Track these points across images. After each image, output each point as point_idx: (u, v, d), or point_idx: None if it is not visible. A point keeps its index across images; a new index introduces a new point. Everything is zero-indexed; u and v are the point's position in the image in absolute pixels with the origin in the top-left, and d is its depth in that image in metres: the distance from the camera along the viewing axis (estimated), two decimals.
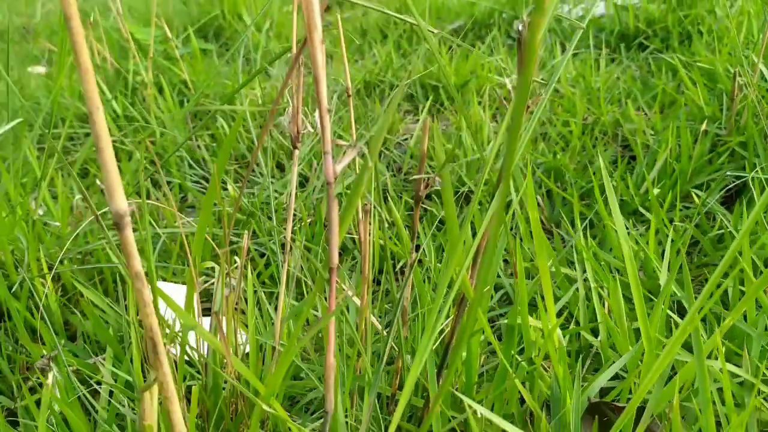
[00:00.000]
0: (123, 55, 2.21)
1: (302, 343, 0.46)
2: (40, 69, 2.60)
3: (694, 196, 1.00)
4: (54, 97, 1.05)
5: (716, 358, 0.59)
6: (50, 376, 0.50)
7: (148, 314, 0.36)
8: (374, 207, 0.78)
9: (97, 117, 0.32)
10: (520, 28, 0.45)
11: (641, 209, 1.02)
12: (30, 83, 2.34)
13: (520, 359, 0.58)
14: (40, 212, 1.15)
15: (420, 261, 0.89)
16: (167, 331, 0.55)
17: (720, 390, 0.62)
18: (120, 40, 2.28)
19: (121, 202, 0.34)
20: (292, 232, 1.09)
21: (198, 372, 0.64)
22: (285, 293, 0.55)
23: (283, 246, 1.09)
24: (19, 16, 4.17)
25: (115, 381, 0.68)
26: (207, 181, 1.46)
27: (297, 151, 0.55)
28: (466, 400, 0.44)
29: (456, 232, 0.47)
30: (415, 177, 0.53)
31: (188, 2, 3.20)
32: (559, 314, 0.81)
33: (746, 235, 0.71)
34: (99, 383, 0.73)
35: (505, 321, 0.67)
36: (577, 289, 0.74)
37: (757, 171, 0.94)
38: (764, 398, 0.61)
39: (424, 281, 0.71)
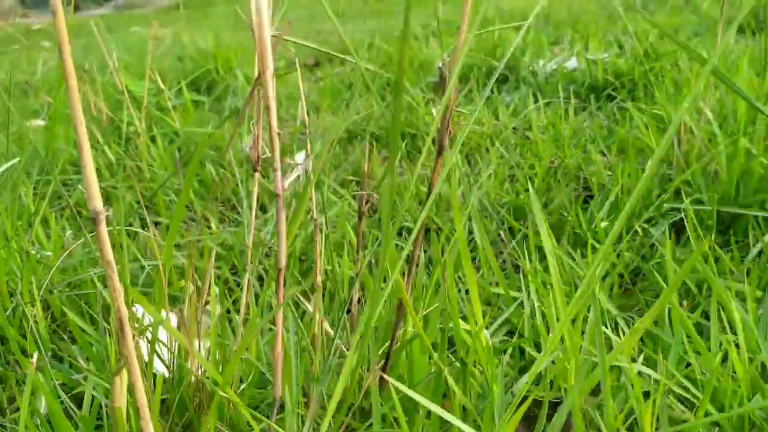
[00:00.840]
0: (118, 107, 2.32)
1: (251, 337, 0.53)
2: (39, 122, 2.71)
3: (639, 229, 1.08)
4: (48, 143, 1.14)
5: (636, 361, 0.66)
6: (32, 369, 0.57)
7: (116, 298, 0.43)
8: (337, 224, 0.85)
9: (80, 130, 0.40)
10: (440, 65, 0.54)
11: (592, 241, 1.10)
12: (29, 135, 2.44)
13: (454, 359, 0.64)
14: (34, 249, 1.23)
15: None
16: (136, 325, 0.62)
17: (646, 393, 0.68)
18: (116, 93, 2.40)
19: (98, 203, 0.42)
20: (267, 256, 1.16)
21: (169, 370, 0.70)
22: (247, 297, 0.63)
23: (261, 273, 1.16)
24: (22, 73, 4.33)
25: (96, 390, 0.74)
26: (194, 221, 1.53)
27: (257, 174, 0.63)
28: (393, 382, 0.51)
29: (390, 240, 0.55)
30: (357, 193, 0.61)
31: (183, 58, 3.35)
32: (510, 333, 0.88)
33: (670, 262, 0.79)
34: (81, 397, 0.79)
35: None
36: (523, 307, 0.81)
37: (688, 203, 1.02)
38: (678, 399, 0.67)
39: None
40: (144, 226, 1.52)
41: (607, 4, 3.87)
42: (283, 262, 0.53)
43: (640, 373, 0.70)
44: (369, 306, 0.47)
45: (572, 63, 2.44)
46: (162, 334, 0.68)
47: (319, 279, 0.63)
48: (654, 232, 1.10)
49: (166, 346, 0.64)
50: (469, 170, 1.64)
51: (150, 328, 0.60)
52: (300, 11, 7.05)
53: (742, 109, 1.18)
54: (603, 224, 1.08)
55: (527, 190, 1.43)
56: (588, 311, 0.77)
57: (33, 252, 1.06)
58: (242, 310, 0.62)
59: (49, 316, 1.05)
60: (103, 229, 0.42)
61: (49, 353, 0.88)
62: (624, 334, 0.82)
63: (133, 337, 0.46)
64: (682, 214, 1.14)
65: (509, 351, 0.76)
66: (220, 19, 6.59)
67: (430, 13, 5.12)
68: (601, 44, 2.81)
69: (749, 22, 2.71)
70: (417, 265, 0.64)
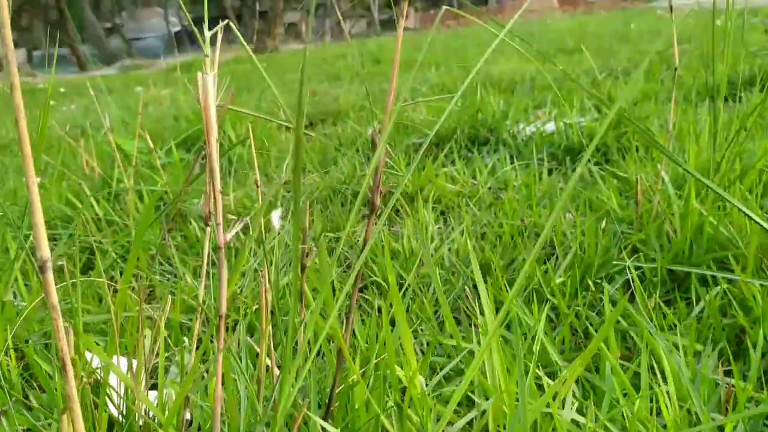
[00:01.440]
0: (112, 165, 2.40)
1: (193, 377, 0.57)
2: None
3: (591, 284, 1.13)
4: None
5: (573, 405, 0.70)
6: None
7: (59, 338, 0.48)
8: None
9: (33, 189, 0.45)
10: (370, 132, 0.60)
11: (548, 296, 1.14)
12: (24, 192, 2.51)
13: (391, 403, 0.68)
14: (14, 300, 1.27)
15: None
16: (85, 371, 0.65)
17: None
18: (111, 152, 2.48)
19: (45, 252, 0.47)
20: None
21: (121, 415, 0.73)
22: (196, 344, 0.67)
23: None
24: None
25: None
26: (175, 276, 1.58)
27: (209, 228, 0.68)
28: (319, 421, 0.55)
29: (327, 283, 0.59)
30: (300, 246, 0.66)
31: (179, 118, 3.46)
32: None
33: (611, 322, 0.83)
34: None
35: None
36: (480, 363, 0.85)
37: (637, 260, 1.07)
38: None
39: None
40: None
41: (591, 71, 4.01)
42: (224, 309, 0.57)
43: (575, 420, 0.73)
44: (286, 364, 0.52)
45: (551, 126, 2.53)
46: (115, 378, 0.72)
47: (264, 324, 0.67)
48: (609, 288, 1.14)
49: (115, 390, 0.67)
50: (442, 227, 1.69)
51: (101, 372, 0.64)
52: (297, 75, 7.26)
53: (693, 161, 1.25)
54: (558, 280, 1.12)
55: (495, 246, 1.48)
56: (531, 361, 0.81)
57: (10, 302, 1.10)
58: (193, 357, 0.66)
59: (23, 365, 1.08)
60: (50, 276, 0.47)
61: (13, 399, 0.91)
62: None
63: (82, 379, 0.50)
64: (637, 271, 1.19)
65: (455, 398, 0.79)
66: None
67: (427, 77, 5.28)
68: (581, 108, 2.91)
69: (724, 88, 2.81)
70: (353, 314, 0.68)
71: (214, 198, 0.57)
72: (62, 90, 10.47)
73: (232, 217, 0.58)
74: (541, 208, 1.66)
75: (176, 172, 2.15)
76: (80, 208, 1.87)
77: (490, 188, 1.96)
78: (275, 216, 1.43)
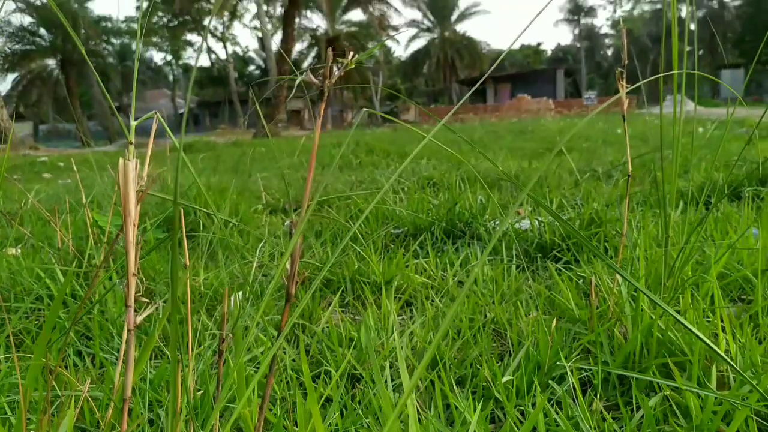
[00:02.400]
0: (88, 240, 2.41)
1: None
2: (14, 251, 2.79)
3: (537, 385, 1.12)
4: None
5: None
6: None
7: None
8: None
9: None
10: (287, 223, 0.62)
11: (497, 395, 1.13)
12: (2, 263, 2.51)
13: None
14: None
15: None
16: None
17: None
18: (92, 228, 2.50)
19: None
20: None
21: None
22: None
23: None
24: (15, 202, 4.49)
25: None
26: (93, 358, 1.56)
27: (131, 309, 0.69)
28: None
29: (241, 364, 0.60)
30: (222, 332, 0.67)
31: (165, 200, 3.50)
32: None
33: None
34: None
35: None
36: None
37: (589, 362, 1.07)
38: None
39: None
40: (82, 358, 1.54)
41: (575, 171, 4.12)
42: (129, 392, 0.57)
43: None
44: None
45: (526, 223, 2.57)
46: None
47: (180, 414, 0.67)
48: (558, 388, 1.13)
49: None
50: (406, 318, 1.69)
51: None
52: (293, 159, 7.42)
53: (642, 273, 1.27)
54: (504, 379, 1.12)
55: (454, 339, 1.48)
56: None
57: None
58: None
59: None
60: None
61: None
62: None
63: None
64: (587, 372, 1.18)
65: None
66: (207, 162, 6.92)
67: (416, 169, 5.40)
68: (559, 206, 2.97)
69: (697, 194, 2.89)
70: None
71: (128, 282, 0.58)
72: (61, 164, 10.65)
73: (144, 299, 0.59)
74: (504, 304, 1.67)
75: (153, 252, 2.16)
76: (46, 282, 1.87)
77: (459, 282, 1.97)
78: (233, 300, 1.43)
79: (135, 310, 0.57)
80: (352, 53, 0.59)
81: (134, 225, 0.58)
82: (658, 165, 1.64)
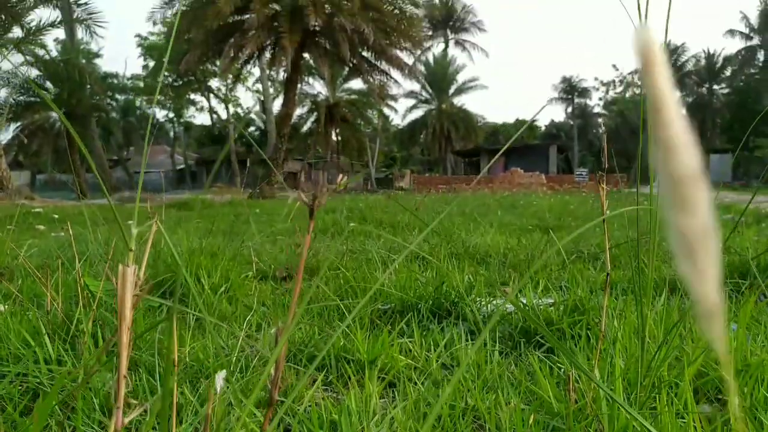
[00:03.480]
0: (77, 303, 2.42)
1: None
2: (1, 308, 2.79)
3: None
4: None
5: None
6: None
7: None
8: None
9: None
10: (274, 330, 0.66)
11: None
12: None
13: None
14: None
15: None
16: None
17: None
18: (83, 291, 2.52)
19: None
20: None
21: None
22: None
23: None
24: (5, 256, 4.49)
25: None
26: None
27: (119, 411, 0.72)
28: None
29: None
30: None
31: (158, 261, 3.53)
32: None
33: None
34: None
35: None
36: None
37: None
38: None
39: None
40: (62, 426, 1.54)
41: (560, 251, 4.17)
42: None
43: None
44: None
45: (511, 306, 2.61)
46: None
47: None
48: None
49: None
50: (387, 401, 1.70)
51: None
52: (287, 225, 7.49)
53: (619, 373, 1.30)
54: None
55: (435, 426, 1.49)
56: None
57: None
58: None
59: None
60: None
61: None
62: None
63: None
64: None
65: None
66: (203, 222, 6.97)
67: (407, 242, 5.45)
68: (545, 289, 3.01)
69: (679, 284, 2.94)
70: None
71: (118, 383, 0.61)
72: (56, 216, 10.66)
73: (133, 401, 0.62)
74: (485, 391, 1.69)
75: (137, 317, 2.18)
76: (33, 345, 1.88)
77: (444, 364, 1.99)
78: (219, 377, 1.45)
79: (124, 412, 0.60)
80: (341, 176, 0.65)
81: (128, 328, 0.62)
82: (641, 252, 1.69)
